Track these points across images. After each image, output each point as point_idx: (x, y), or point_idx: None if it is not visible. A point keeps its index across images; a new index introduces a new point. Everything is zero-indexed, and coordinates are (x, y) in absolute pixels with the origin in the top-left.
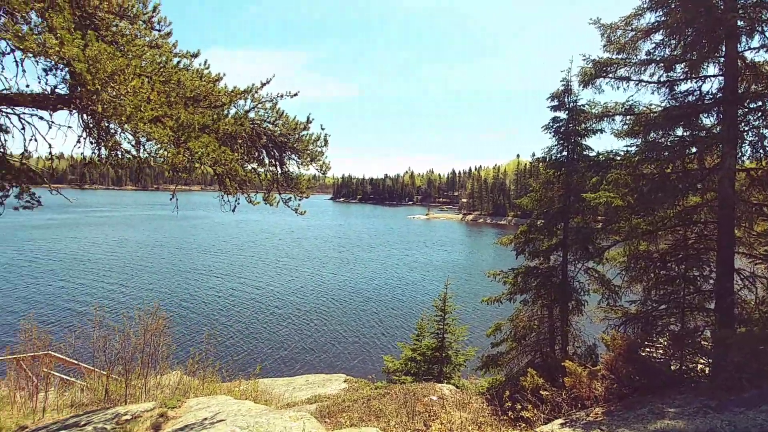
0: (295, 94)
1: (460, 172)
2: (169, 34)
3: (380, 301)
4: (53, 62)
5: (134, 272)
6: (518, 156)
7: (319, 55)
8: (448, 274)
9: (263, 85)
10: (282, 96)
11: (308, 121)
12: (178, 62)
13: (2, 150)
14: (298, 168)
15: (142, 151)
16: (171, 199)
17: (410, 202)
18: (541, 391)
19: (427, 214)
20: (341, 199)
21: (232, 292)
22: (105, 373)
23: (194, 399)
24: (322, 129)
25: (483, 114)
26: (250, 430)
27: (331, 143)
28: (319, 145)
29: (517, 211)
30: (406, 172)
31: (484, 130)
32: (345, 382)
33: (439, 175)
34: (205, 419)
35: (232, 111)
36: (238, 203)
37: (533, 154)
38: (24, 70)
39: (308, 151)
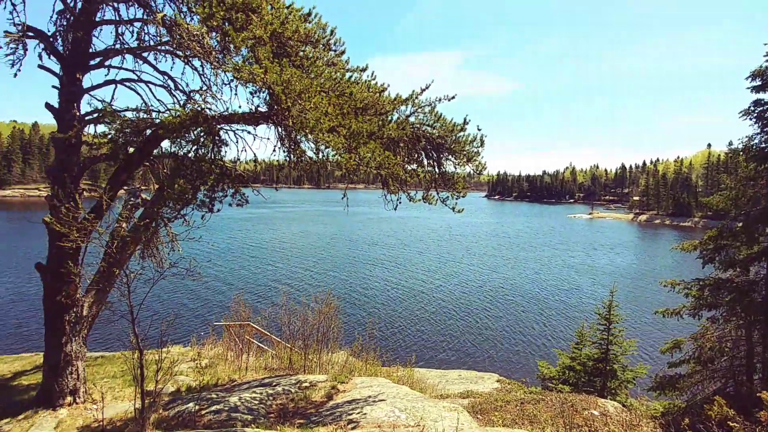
0: (453, 97)
1: (630, 167)
2: (342, 52)
3: (537, 303)
4: (257, 87)
5: (313, 261)
6: (709, 146)
7: (474, 53)
8: (615, 279)
9: (423, 90)
10: (440, 100)
11: (465, 123)
12: (350, 77)
13: (222, 159)
14: (455, 168)
15: (321, 156)
16: (342, 197)
17: (571, 200)
18: (730, 423)
19: (590, 213)
20: (496, 197)
21: (394, 283)
22: (288, 345)
23: (359, 378)
24: (479, 130)
25: (660, 99)
26: (407, 412)
27: (486, 141)
28: (476, 146)
29: (706, 211)
30: (567, 167)
31: (662, 118)
32: (497, 382)
33: (606, 170)
34: (369, 397)
35: (394, 116)
36: (400, 202)
37: (729, 143)
38: (236, 94)
39: (465, 152)
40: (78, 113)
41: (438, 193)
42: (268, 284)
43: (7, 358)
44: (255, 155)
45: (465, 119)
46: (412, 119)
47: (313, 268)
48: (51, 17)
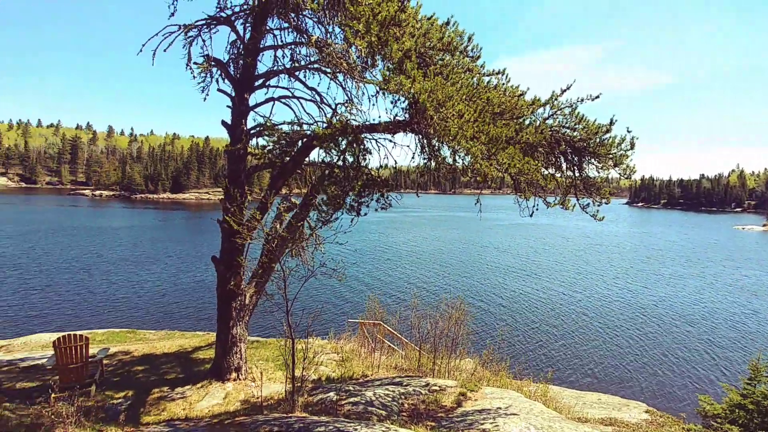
0: (596, 97)
1: None
2: (478, 57)
3: (698, 327)
4: (398, 97)
5: (443, 265)
6: None
7: (616, 44)
8: None
9: (563, 92)
10: (582, 100)
11: (611, 124)
12: (488, 81)
13: (367, 166)
14: (598, 172)
15: (460, 163)
16: (475, 203)
17: (737, 209)
18: None
19: (765, 225)
20: (639, 204)
21: (527, 293)
22: (417, 348)
23: (488, 387)
24: (628, 131)
25: None
26: (544, 431)
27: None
28: (624, 148)
29: None
30: (733, 170)
31: None
32: (646, 412)
33: None
34: (499, 408)
35: (531, 120)
36: (537, 208)
37: None
38: (374, 105)
39: (610, 155)
40: (245, 128)
41: (578, 199)
42: (400, 286)
43: (188, 334)
44: (396, 162)
45: (611, 120)
46: (550, 122)
47: (443, 273)
48: (225, 47)
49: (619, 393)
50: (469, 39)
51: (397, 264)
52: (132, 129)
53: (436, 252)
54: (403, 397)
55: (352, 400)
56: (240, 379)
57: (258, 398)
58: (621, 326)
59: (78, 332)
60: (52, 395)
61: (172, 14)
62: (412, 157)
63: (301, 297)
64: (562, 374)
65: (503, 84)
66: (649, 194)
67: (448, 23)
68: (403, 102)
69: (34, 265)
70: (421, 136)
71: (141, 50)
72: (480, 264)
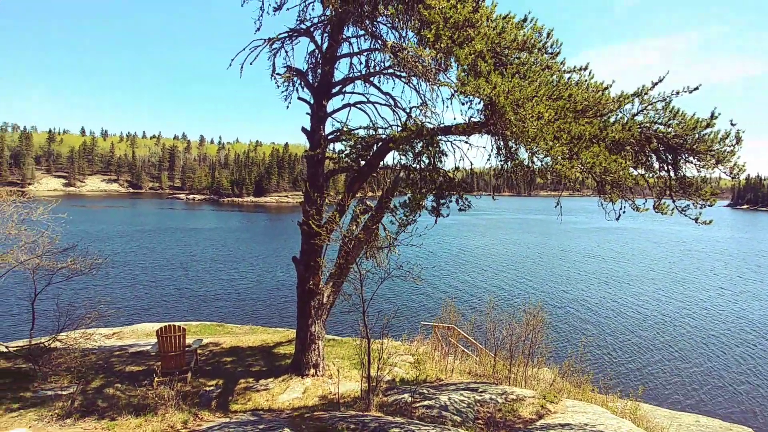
0: (695, 89)
1: None
2: (558, 53)
3: None
4: (470, 99)
5: (520, 270)
6: None
7: (718, 30)
8: None
9: (654, 85)
10: (677, 93)
11: (712, 117)
12: (568, 78)
13: (443, 168)
14: (698, 171)
15: (539, 164)
16: (555, 206)
17: None
18: None
19: None
20: (743, 206)
21: (614, 301)
22: (492, 354)
23: (570, 400)
24: (732, 125)
25: None
26: None
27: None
28: (729, 144)
29: None
30: None
31: None
32: None
33: None
34: (586, 425)
35: (617, 116)
36: (624, 211)
37: None
38: (447, 107)
39: (712, 152)
40: (323, 134)
41: (674, 202)
42: (474, 290)
43: (269, 330)
44: (471, 163)
45: (713, 113)
46: (639, 118)
47: (520, 278)
48: (305, 58)
49: (721, 416)
50: (548, 35)
51: (472, 268)
52: (220, 138)
53: (513, 256)
54: (478, 404)
55: (426, 403)
56: (318, 376)
57: (335, 395)
58: (725, 342)
59: (176, 323)
60: (156, 379)
61: (258, 29)
62: (488, 159)
63: (377, 298)
64: (654, 391)
65: (586, 80)
66: (756, 195)
67: (525, 20)
68: (479, 103)
69: (141, 262)
70: (497, 138)
71: (230, 64)
72: (560, 269)
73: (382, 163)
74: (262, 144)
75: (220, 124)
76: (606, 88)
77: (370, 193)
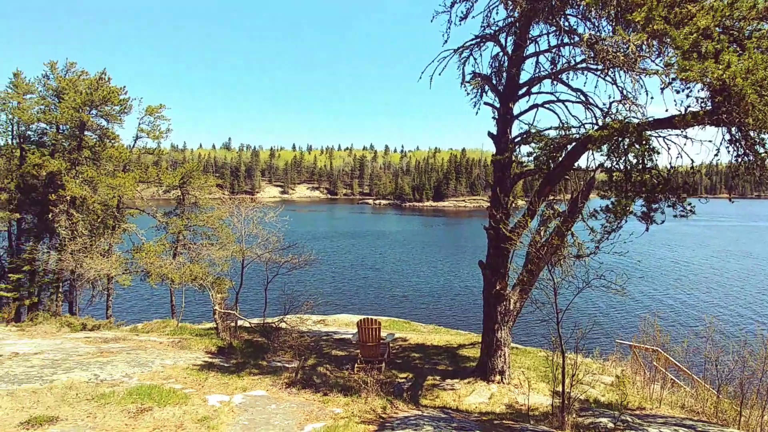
0: None
1: None
2: None
3: None
4: (691, 86)
5: (752, 290)
6: None
7: None
8: None
9: None
10: None
11: None
12: None
13: (656, 167)
14: None
15: None
16: None
17: None
18: None
19: None
20: None
21: None
22: (715, 390)
23: None
24: None
25: None
26: None
27: None
28: None
29: None
30: None
31: None
32: None
33: None
34: None
35: None
36: None
37: None
38: (652, 98)
39: None
40: (510, 137)
41: None
42: (685, 309)
43: (452, 331)
44: (693, 161)
45: None
46: None
47: (750, 298)
48: (489, 62)
49: None
50: None
51: (683, 283)
52: (402, 146)
53: (739, 272)
54: None
55: None
56: (503, 383)
57: (522, 405)
58: None
59: (372, 317)
60: (357, 365)
61: (446, 41)
62: (715, 154)
63: (573, 309)
64: None
65: None
66: None
67: None
68: (702, 90)
69: (339, 261)
70: (730, 128)
71: (420, 77)
72: None
73: (575, 164)
74: (441, 150)
75: (402, 134)
76: None
77: (559, 197)
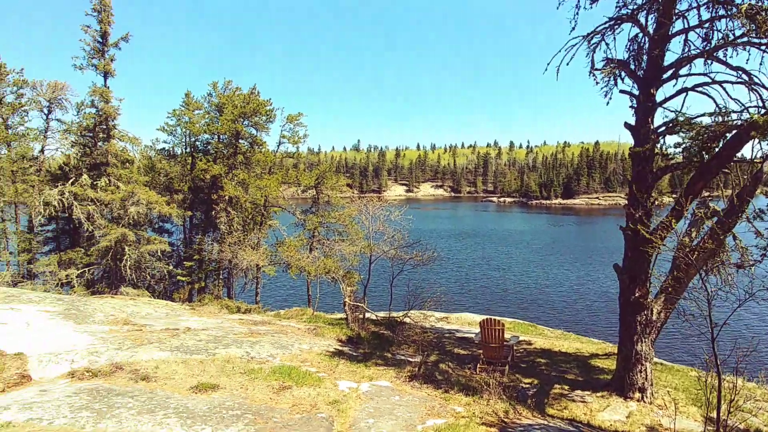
0: None
1: None
2: None
3: None
4: None
5: None
6: None
7: None
8: None
9: None
10: None
11: None
12: None
13: None
14: None
15: None
16: None
17: None
18: None
19: None
20: None
21: None
22: None
23: None
24: None
25: None
26: None
27: None
28: None
29: None
30: None
31: None
32: None
33: None
34: None
35: None
36: None
37: None
38: None
39: None
40: (651, 127)
41: None
42: None
43: (583, 338)
44: None
45: None
46: None
47: None
48: (626, 46)
49: None
50: None
51: None
52: (528, 141)
53: None
54: None
55: None
56: (644, 402)
57: (666, 429)
58: None
59: (495, 317)
60: (479, 365)
61: (573, 28)
62: None
63: (729, 324)
64: None
65: None
66: None
67: None
68: None
69: (463, 259)
70: None
71: (546, 69)
72: None
73: (736, 155)
74: (570, 144)
75: (528, 129)
76: None
77: (716, 193)
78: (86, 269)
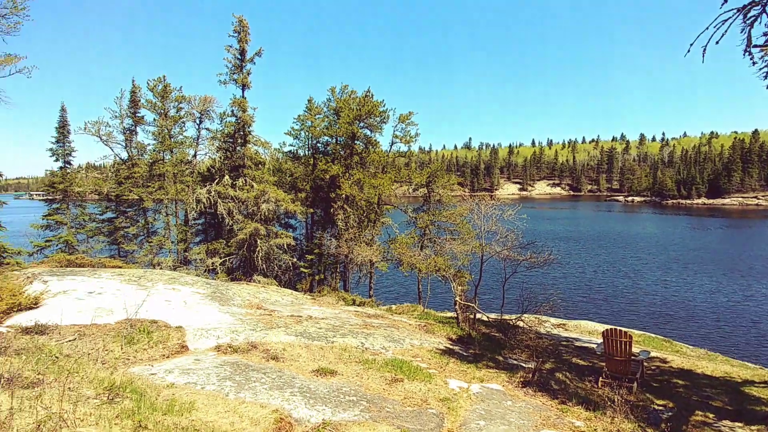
0: None
1: None
2: None
3: None
4: None
5: None
6: None
7: None
8: None
9: None
10: None
11: None
12: None
13: None
14: None
15: None
16: None
17: None
18: None
19: None
20: None
21: None
22: None
23: None
24: None
25: None
26: None
27: None
28: None
29: None
30: None
31: None
32: None
33: None
34: None
35: None
36: None
37: None
38: None
39: None
40: None
41: None
42: None
43: (733, 361)
44: None
45: None
46: None
47: None
48: None
49: None
50: None
51: None
52: (663, 134)
53: None
54: None
55: None
56: None
57: None
58: None
59: (621, 328)
60: (601, 379)
61: (725, 1)
62: None
63: None
64: None
65: None
66: None
67: None
68: None
69: (584, 263)
70: None
71: (689, 50)
72: None
73: None
74: (719, 135)
75: (663, 119)
76: None
77: None
78: (227, 258)
